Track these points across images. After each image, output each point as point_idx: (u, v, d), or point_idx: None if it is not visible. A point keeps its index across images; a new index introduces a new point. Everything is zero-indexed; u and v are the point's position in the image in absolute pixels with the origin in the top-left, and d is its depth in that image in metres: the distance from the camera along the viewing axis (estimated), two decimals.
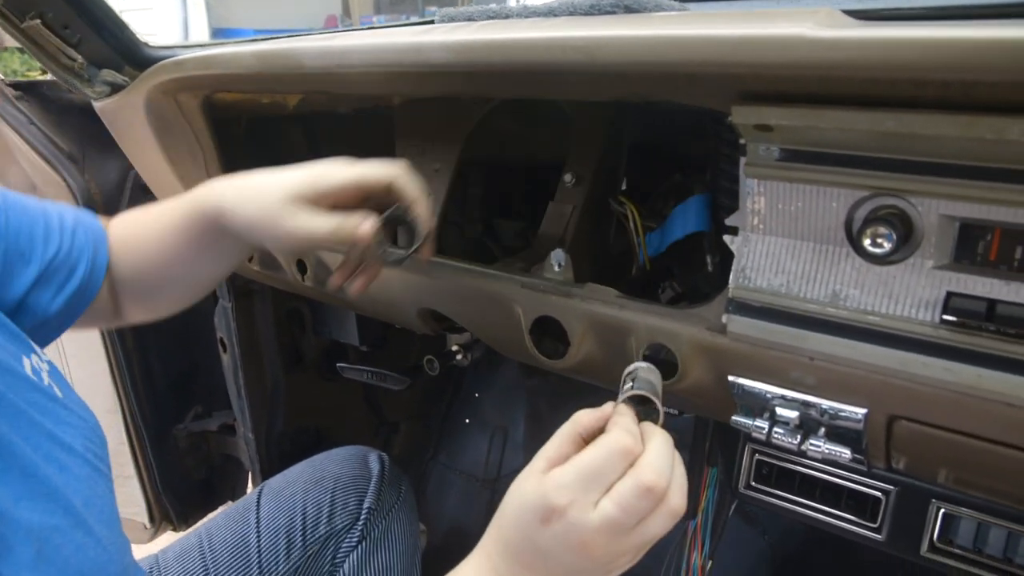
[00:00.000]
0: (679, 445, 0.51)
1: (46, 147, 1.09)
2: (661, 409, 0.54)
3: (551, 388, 1.49)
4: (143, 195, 1.11)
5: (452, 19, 0.66)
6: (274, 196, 0.61)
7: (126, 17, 0.91)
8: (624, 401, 0.54)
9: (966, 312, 0.46)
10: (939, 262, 0.48)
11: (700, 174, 0.76)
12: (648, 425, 0.53)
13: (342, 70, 0.64)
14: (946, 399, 0.49)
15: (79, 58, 0.86)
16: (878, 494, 0.66)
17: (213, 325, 1.19)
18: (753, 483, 0.72)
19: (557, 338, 0.67)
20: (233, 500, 1.38)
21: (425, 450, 1.53)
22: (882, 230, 0.46)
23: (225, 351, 1.18)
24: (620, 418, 0.53)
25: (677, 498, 0.50)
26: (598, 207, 0.77)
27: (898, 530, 0.66)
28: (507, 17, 0.60)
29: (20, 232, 0.65)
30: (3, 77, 1.06)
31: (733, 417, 0.59)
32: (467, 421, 1.56)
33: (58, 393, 0.58)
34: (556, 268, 0.67)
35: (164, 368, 1.23)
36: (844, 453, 0.55)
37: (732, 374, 0.58)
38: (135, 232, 0.74)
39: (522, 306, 0.67)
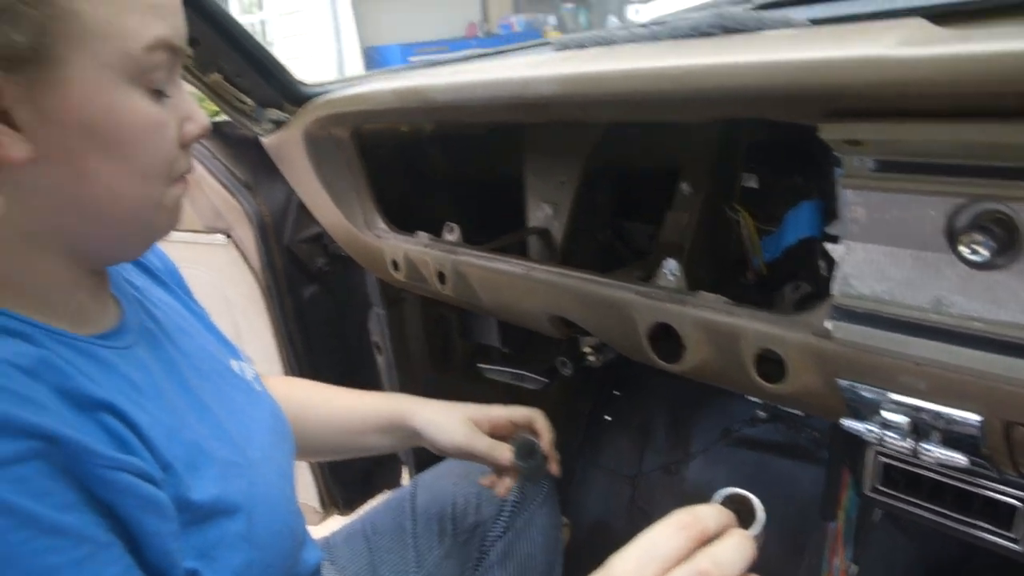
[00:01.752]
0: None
1: (226, 177, 1.25)
2: (758, 514, 0.56)
3: (687, 384, 1.50)
4: (303, 215, 1.25)
5: (565, 46, 0.71)
6: (459, 420, 0.89)
7: (286, 43, 1.04)
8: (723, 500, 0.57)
9: None
10: None
11: (819, 177, 0.77)
12: (734, 528, 0.54)
13: (466, 103, 0.71)
14: None
15: (250, 101, 1.00)
16: (1014, 501, 0.64)
17: (367, 330, 1.31)
18: (880, 487, 0.72)
19: (675, 342, 0.70)
20: (390, 489, 1.50)
21: (569, 447, 1.59)
22: (979, 237, 0.46)
23: (380, 353, 1.29)
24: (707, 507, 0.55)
25: None
26: (715, 214, 0.79)
27: None
28: (612, 43, 0.64)
29: None
30: None
31: (843, 421, 0.60)
32: (608, 419, 1.60)
33: (256, 387, 0.76)
34: (670, 277, 0.70)
35: (330, 370, 1.36)
36: (960, 459, 0.55)
37: (840, 377, 0.59)
38: (318, 412, 0.95)
39: (639, 313, 0.71)
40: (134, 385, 0.56)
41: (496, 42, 5.04)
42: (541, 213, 0.96)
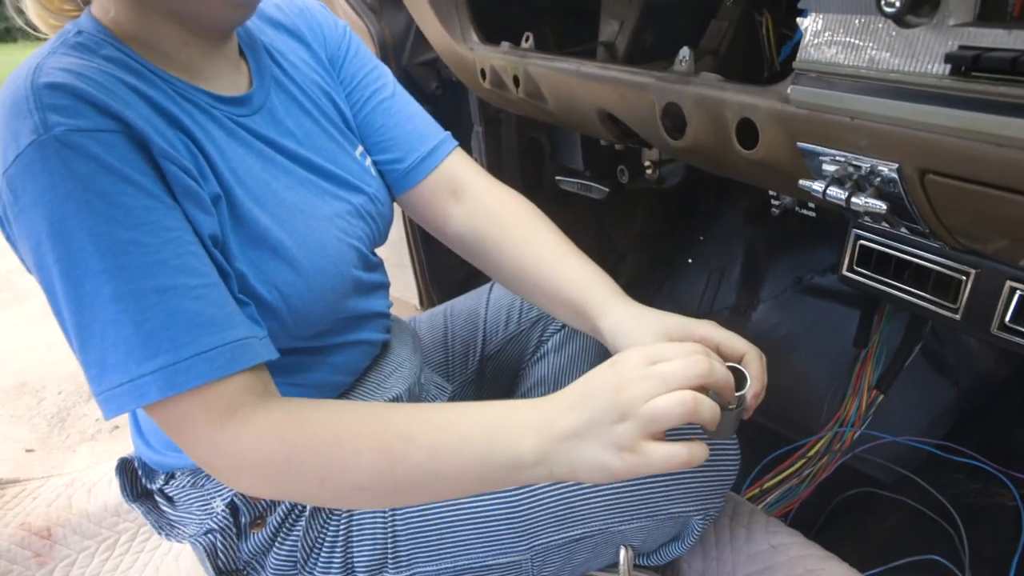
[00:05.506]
0: None
1: (356, 1, 1.43)
2: (748, 377, 0.63)
3: (768, 234, 1.57)
4: (420, 41, 1.40)
5: None
6: (652, 333, 0.74)
7: None
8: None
9: (976, 64, 0.52)
10: (960, 20, 0.54)
11: None
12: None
13: None
14: (966, 149, 0.55)
15: None
16: (961, 276, 0.72)
17: (470, 150, 1.48)
18: (856, 267, 0.81)
19: (681, 121, 0.81)
20: None
21: (649, 282, 1.72)
22: None
23: None
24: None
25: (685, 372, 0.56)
26: (748, 21, 0.87)
27: (973, 310, 0.71)
28: None
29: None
30: None
31: (799, 182, 0.70)
32: (690, 261, 1.70)
33: (369, 170, 0.88)
34: (682, 64, 0.80)
35: None
36: (880, 205, 0.64)
37: (799, 140, 0.68)
38: (516, 249, 0.90)
39: (655, 94, 0.82)
40: (225, 129, 0.72)
41: None
42: (610, 29, 1.06)
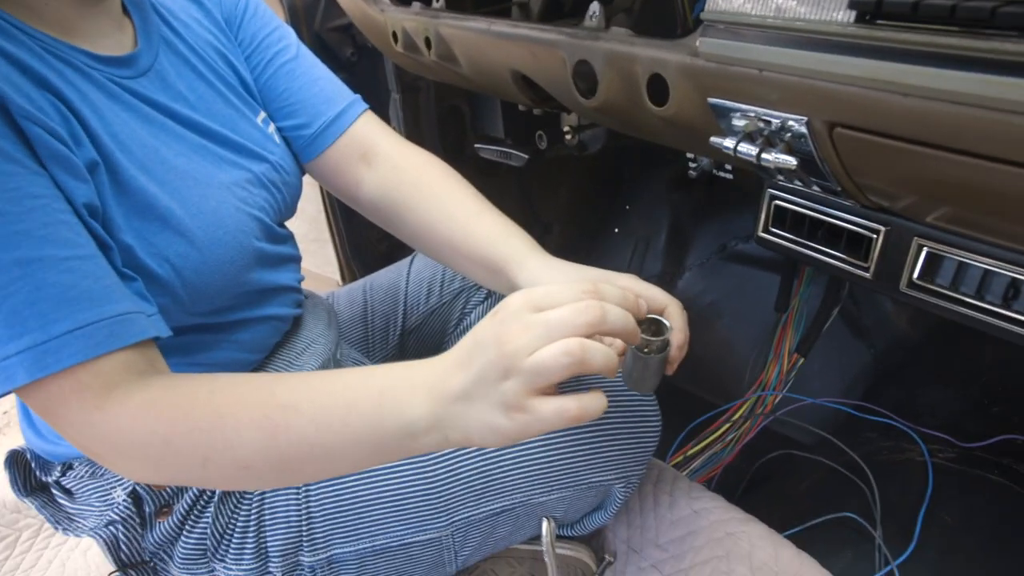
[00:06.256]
0: None
1: None
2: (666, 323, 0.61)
3: (692, 201, 1.57)
4: (332, 5, 1.34)
5: None
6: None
7: None
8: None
9: (880, 10, 0.51)
10: None
11: None
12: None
13: None
14: (872, 99, 0.54)
15: None
16: (871, 234, 0.71)
17: (388, 119, 1.43)
18: (771, 228, 0.80)
19: (592, 81, 0.78)
20: None
21: (575, 253, 1.70)
22: None
23: None
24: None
25: (564, 323, 0.51)
26: None
27: (883, 268, 0.71)
28: None
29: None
30: None
31: (711, 139, 0.68)
32: (616, 230, 1.69)
33: (277, 140, 0.83)
34: (592, 20, 0.77)
35: None
36: (790, 161, 0.62)
37: (709, 96, 0.66)
38: (429, 208, 0.86)
39: (567, 52, 0.79)
40: (104, 90, 0.66)
41: None
42: None
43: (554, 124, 1.18)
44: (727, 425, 1.21)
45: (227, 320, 0.77)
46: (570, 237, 1.69)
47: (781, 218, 0.79)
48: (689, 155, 0.95)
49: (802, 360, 1.20)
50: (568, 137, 1.13)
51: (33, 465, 0.80)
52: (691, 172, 0.94)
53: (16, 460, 0.81)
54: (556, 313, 0.51)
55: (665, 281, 1.59)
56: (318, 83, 0.90)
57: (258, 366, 0.85)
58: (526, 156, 1.19)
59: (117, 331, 0.58)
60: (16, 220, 0.54)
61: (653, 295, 0.69)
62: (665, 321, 0.63)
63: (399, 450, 0.57)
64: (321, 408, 0.57)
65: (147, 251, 0.65)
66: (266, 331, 0.85)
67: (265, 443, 0.57)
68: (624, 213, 1.68)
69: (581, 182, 1.67)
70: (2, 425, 2.24)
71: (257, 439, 0.57)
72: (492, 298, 1.20)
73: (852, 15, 0.53)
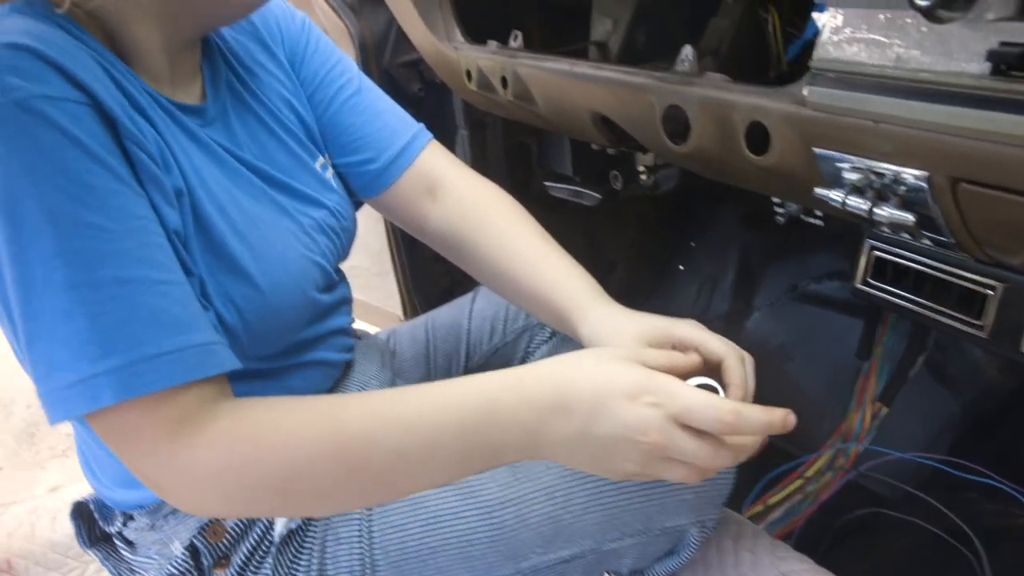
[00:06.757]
0: None
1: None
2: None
3: (762, 239, 1.53)
4: (402, 40, 1.34)
5: None
6: (630, 336, 0.70)
7: None
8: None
9: (1022, 62, 0.47)
10: (1000, 14, 0.49)
11: None
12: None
13: None
14: (1005, 155, 0.50)
15: None
16: (986, 291, 0.67)
17: (454, 151, 1.42)
18: (870, 279, 0.76)
19: (684, 126, 0.76)
20: None
21: (639, 291, 1.67)
22: None
23: None
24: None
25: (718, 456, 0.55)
26: (752, 19, 0.82)
27: (1001, 327, 0.66)
28: None
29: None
30: None
31: (815, 190, 0.65)
32: (681, 268, 1.65)
33: (334, 185, 0.84)
34: (684, 63, 0.75)
35: None
36: (907, 217, 0.59)
37: (815, 145, 0.63)
38: (500, 247, 0.86)
39: (656, 96, 0.77)
40: (188, 132, 0.67)
41: None
42: (602, 28, 1.01)
43: (627, 163, 1.15)
44: (803, 479, 1.15)
45: (279, 366, 0.77)
46: (635, 275, 1.66)
47: (882, 269, 0.75)
48: (775, 199, 0.91)
49: (886, 410, 1.14)
50: (644, 177, 1.11)
51: (96, 516, 0.79)
52: (779, 218, 0.91)
53: (81, 512, 0.80)
54: (700, 451, 0.54)
55: (732, 322, 1.55)
56: (382, 116, 0.90)
57: None
58: (599, 196, 1.17)
59: (203, 360, 0.57)
60: (119, 238, 0.54)
61: (711, 347, 0.67)
62: (718, 388, 0.63)
63: (485, 469, 0.60)
64: (400, 444, 0.57)
65: (216, 289, 0.65)
66: (317, 377, 0.84)
67: (343, 475, 0.57)
68: (690, 250, 1.65)
69: (648, 219, 1.64)
70: (65, 448, 2.28)
71: (334, 472, 0.57)
72: (556, 337, 1.18)
73: (987, 67, 0.49)
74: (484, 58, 1.06)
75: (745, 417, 0.54)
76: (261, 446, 0.56)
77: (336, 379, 0.87)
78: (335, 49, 0.91)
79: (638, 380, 0.55)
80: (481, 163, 1.38)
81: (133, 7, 0.63)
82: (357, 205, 0.93)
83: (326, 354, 0.84)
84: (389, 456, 0.57)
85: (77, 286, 0.53)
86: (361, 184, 0.90)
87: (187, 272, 0.61)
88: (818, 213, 0.88)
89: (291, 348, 0.77)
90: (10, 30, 0.53)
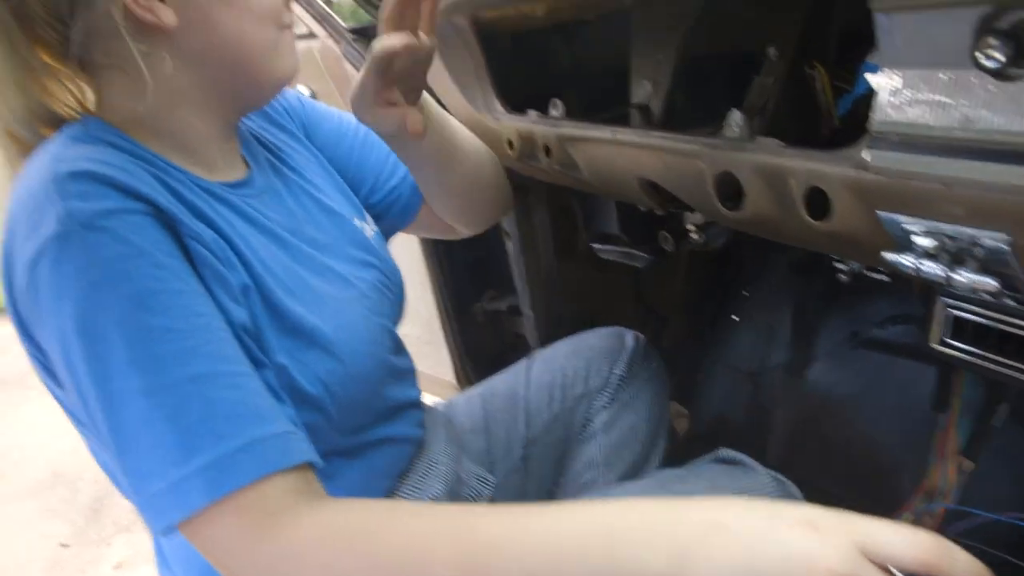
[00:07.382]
0: None
1: None
2: None
3: (818, 287, 1.48)
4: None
5: None
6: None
7: None
8: None
9: None
10: None
11: None
12: None
13: None
14: None
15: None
16: None
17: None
18: (948, 339, 0.72)
19: (738, 190, 0.74)
20: None
21: (693, 344, 1.63)
22: (993, 42, 0.47)
23: (508, 239, 1.40)
24: None
25: None
26: (797, 75, 0.80)
27: None
28: None
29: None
30: (344, 24, 1.38)
31: (882, 254, 0.62)
32: (735, 319, 1.61)
33: (373, 243, 0.86)
34: (735, 128, 0.73)
35: (464, 253, 1.49)
36: (991, 282, 0.56)
37: (880, 209, 0.60)
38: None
39: (706, 163, 0.75)
40: (245, 216, 0.70)
41: None
42: (642, 91, 1.00)
43: (675, 222, 1.13)
44: None
45: (363, 441, 0.78)
46: (687, 329, 1.62)
47: (961, 328, 0.71)
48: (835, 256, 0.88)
49: (971, 465, 1.07)
50: (695, 236, 1.08)
51: None
52: (842, 276, 0.87)
53: None
54: None
55: (793, 372, 1.49)
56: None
57: (387, 493, 0.83)
58: (650, 257, 1.15)
59: (286, 449, 0.57)
60: (185, 336, 0.55)
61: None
62: None
63: None
64: (530, 554, 0.51)
65: (300, 370, 0.66)
66: (396, 453, 0.84)
67: None
68: (742, 300, 1.61)
69: (697, 272, 1.61)
70: (129, 522, 2.29)
71: None
72: (616, 403, 1.15)
73: None
74: (525, 127, 1.06)
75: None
76: (376, 544, 0.54)
77: (411, 456, 0.88)
78: (327, 107, 0.97)
79: None
80: (527, 228, 1.37)
81: (176, 96, 0.66)
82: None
83: (405, 429, 0.85)
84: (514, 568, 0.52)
85: (153, 391, 0.53)
86: (404, 205, 0.96)
87: (265, 363, 0.62)
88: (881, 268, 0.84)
89: (375, 419, 0.79)
90: (69, 158, 0.56)
